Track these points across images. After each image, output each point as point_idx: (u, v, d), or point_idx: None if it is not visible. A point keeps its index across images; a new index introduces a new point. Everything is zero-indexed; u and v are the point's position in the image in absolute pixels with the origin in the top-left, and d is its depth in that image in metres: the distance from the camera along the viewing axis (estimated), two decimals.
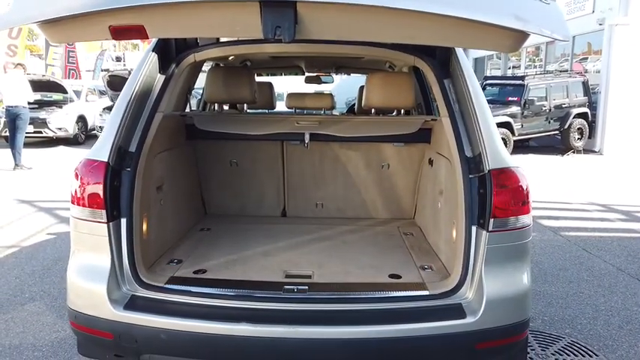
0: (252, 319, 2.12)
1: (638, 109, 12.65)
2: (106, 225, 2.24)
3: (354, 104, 7.24)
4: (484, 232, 2.19)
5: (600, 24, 13.45)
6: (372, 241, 3.20)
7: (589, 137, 13.15)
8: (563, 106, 12.87)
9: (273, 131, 3.36)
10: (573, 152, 12.88)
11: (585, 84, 13.16)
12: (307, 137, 3.33)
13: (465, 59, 2.60)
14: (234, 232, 3.31)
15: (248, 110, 3.94)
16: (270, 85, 4.54)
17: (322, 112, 3.88)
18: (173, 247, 2.97)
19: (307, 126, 3.33)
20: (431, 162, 3.22)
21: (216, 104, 3.44)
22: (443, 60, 2.67)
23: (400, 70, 4.41)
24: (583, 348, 3.28)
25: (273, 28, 1.80)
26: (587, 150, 13.21)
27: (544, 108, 12.69)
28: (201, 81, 3.58)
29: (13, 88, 10.06)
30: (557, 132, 13.07)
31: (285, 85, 9.23)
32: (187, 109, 3.65)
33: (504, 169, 2.23)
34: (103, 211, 2.24)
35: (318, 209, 3.72)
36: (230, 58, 4.14)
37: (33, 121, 11.92)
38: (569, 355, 3.19)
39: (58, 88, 14.54)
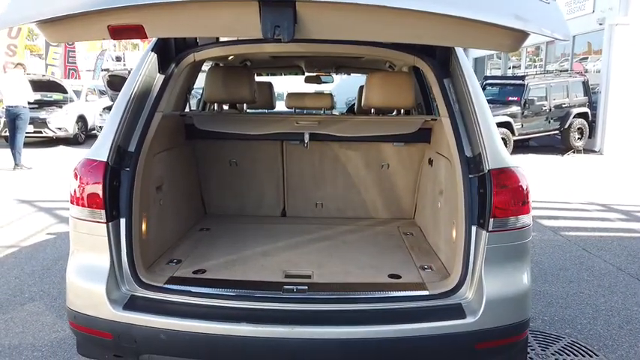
0: (252, 319, 2.12)
1: (638, 109, 12.66)
2: (105, 225, 2.24)
3: (354, 104, 7.23)
4: (484, 232, 2.19)
5: (600, 24, 13.44)
6: (371, 241, 3.19)
7: (589, 137, 13.15)
8: (564, 105, 12.86)
9: (273, 131, 3.35)
10: (573, 152, 12.88)
11: (585, 84, 13.16)
12: (307, 137, 3.33)
13: (465, 59, 2.60)
14: (234, 232, 3.30)
15: (248, 110, 3.94)
16: (269, 84, 4.54)
17: (322, 111, 3.88)
18: (172, 247, 2.96)
19: (307, 126, 3.32)
20: (431, 162, 3.22)
21: (215, 104, 3.44)
22: (443, 60, 2.67)
23: (400, 69, 4.41)
24: (583, 348, 3.28)
25: (272, 28, 1.80)
26: (588, 150, 13.21)
27: (544, 108, 12.69)
28: (200, 81, 3.58)
29: (13, 88, 10.04)
30: (558, 132, 13.06)
31: (285, 84, 9.23)
32: (187, 109, 3.65)
33: (504, 169, 2.23)
34: (103, 211, 2.24)
35: (318, 209, 3.72)
36: (230, 57, 4.13)
37: (33, 121, 11.91)
38: (569, 355, 3.18)
39: (58, 88, 14.54)
